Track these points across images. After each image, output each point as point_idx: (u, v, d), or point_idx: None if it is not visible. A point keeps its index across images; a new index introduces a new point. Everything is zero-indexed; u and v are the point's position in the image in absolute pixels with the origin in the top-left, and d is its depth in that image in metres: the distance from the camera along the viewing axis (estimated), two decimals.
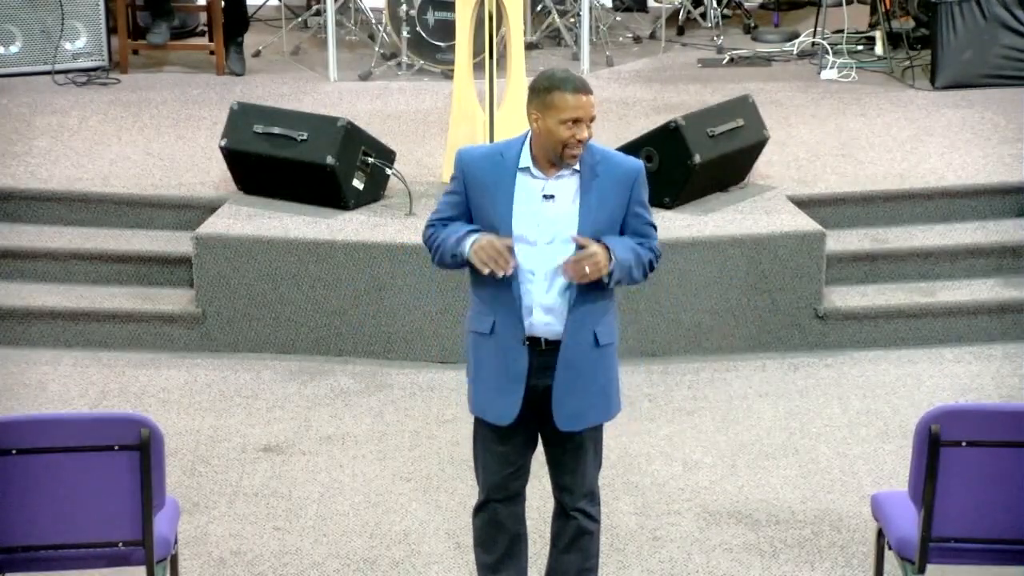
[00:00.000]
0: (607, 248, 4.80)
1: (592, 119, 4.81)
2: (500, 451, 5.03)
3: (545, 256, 4.85)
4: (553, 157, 4.83)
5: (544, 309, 4.88)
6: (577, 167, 4.86)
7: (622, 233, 4.91)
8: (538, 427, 5.05)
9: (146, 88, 10.39)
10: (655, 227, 4.99)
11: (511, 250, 4.80)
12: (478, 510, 5.15)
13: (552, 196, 4.86)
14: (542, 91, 4.81)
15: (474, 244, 4.82)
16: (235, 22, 10.70)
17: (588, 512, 5.11)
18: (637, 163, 4.97)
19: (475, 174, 4.90)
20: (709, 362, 7.61)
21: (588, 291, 4.87)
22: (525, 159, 4.87)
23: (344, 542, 6.00)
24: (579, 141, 4.79)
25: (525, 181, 4.87)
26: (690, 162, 7.87)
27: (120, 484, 4.72)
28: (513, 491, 5.10)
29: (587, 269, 4.76)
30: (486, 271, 4.80)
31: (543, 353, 4.92)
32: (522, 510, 5.17)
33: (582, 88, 4.79)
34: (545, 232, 4.85)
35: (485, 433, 5.04)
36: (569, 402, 4.94)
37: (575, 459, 5.04)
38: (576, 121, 4.77)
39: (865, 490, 6.30)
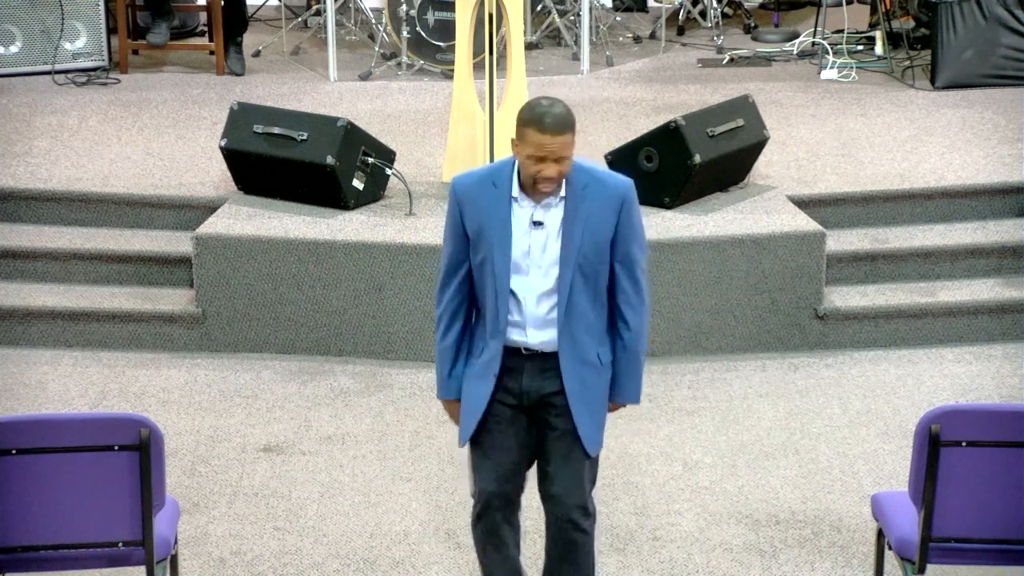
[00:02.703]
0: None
1: (562, 159, 4.74)
2: (494, 459, 5.01)
3: (537, 282, 4.87)
4: (528, 186, 4.84)
5: (537, 326, 4.89)
6: (563, 193, 4.84)
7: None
8: (529, 433, 5.03)
9: (146, 88, 10.39)
10: (642, 255, 4.92)
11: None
12: (476, 520, 5.12)
13: (541, 223, 4.85)
14: (521, 122, 4.77)
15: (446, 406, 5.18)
16: (234, 22, 10.70)
17: (579, 524, 5.03)
18: (624, 184, 4.90)
19: (471, 201, 4.89)
20: (709, 362, 7.61)
21: (579, 313, 4.87)
22: (515, 187, 4.86)
23: (344, 542, 6.00)
24: (546, 178, 4.76)
25: (516, 210, 4.86)
26: (690, 162, 7.87)
27: (120, 484, 4.72)
28: (509, 498, 5.07)
29: None
30: None
31: (535, 360, 4.92)
32: (517, 520, 5.13)
33: (552, 128, 4.70)
34: (535, 259, 4.86)
35: (479, 440, 5.04)
36: (590, 424, 4.95)
37: (568, 469, 4.99)
38: (541, 159, 4.74)
39: (865, 490, 6.31)
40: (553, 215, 4.86)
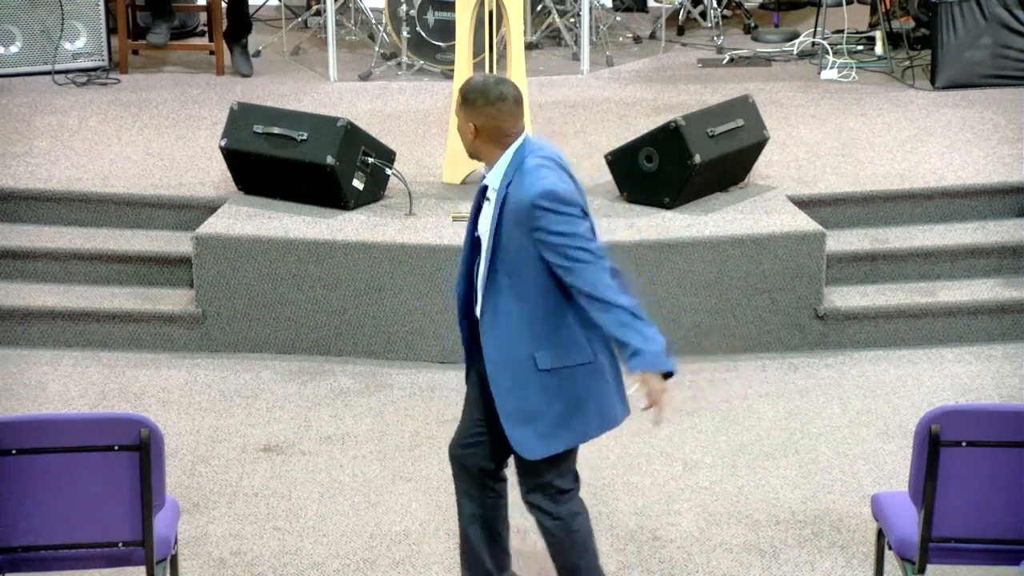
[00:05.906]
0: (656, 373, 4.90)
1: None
2: (460, 421, 5.20)
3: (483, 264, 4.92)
4: None
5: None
6: (501, 177, 4.82)
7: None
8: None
9: (146, 88, 10.40)
10: (583, 250, 4.68)
11: None
12: None
13: (489, 199, 4.90)
14: None
15: None
16: (238, 24, 10.71)
17: (541, 506, 4.98)
18: (532, 192, 4.69)
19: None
20: (709, 362, 7.61)
21: (502, 310, 4.82)
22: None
23: (344, 542, 6.00)
24: None
25: (484, 186, 4.96)
26: (690, 162, 7.87)
27: (120, 484, 4.72)
28: (463, 464, 5.16)
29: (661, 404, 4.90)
30: None
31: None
32: (481, 495, 5.16)
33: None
34: (484, 229, 4.91)
35: None
36: (511, 426, 4.90)
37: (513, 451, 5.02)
38: None
39: (865, 490, 6.31)
40: (494, 196, 4.88)
